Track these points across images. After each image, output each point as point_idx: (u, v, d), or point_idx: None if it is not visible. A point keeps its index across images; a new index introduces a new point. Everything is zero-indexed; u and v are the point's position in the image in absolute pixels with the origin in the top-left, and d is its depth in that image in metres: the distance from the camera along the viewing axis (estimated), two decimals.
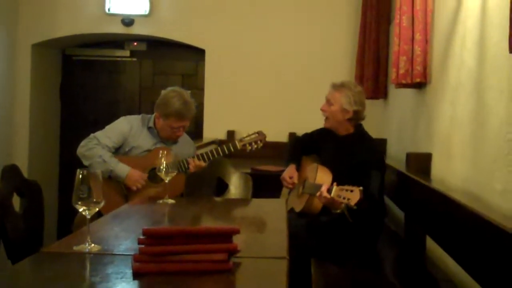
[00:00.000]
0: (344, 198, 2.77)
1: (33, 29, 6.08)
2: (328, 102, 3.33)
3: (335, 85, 3.32)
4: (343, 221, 2.98)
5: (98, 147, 3.44)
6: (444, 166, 3.08)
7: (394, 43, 3.70)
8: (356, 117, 3.28)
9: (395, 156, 4.29)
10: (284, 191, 3.62)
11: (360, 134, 3.32)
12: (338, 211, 2.94)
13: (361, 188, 2.74)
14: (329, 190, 2.87)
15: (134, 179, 3.44)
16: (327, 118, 3.36)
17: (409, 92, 3.89)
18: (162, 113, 3.53)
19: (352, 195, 2.75)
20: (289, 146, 3.84)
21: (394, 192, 3.55)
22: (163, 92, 3.64)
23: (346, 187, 2.80)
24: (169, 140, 3.63)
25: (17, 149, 6.05)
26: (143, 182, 3.47)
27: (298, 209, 3.27)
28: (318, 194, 2.93)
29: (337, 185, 2.87)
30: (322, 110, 3.36)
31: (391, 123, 4.67)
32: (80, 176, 1.94)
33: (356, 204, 2.73)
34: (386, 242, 3.37)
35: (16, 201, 2.81)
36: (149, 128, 3.61)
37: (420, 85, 3.57)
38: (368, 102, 4.96)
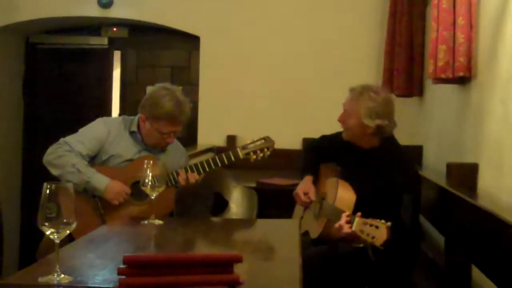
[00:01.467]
0: (368, 235, 2.76)
1: None
2: (346, 112, 3.30)
3: (353, 91, 3.26)
4: (367, 254, 2.97)
5: (70, 154, 3.45)
6: (493, 179, 3.07)
7: (431, 29, 3.70)
8: (383, 132, 3.24)
9: (433, 167, 4.29)
10: (298, 209, 3.62)
11: (388, 147, 3.29)
12: (361, 245, 2.92)
13: (388, 224, 2.72)
14: (350, 222, 2.87)
15: (116, 191, 3.44)
16: (344, 130, 3.34)
17: (450, 88, 3.89)
18: (150, 115, 3.54)
19: (378, 232, 2.74)
20: (303, 152, 3.83)
21: (432, 212, 3.54)
22: (151, 89, 3.64)
23: (370, 220, 2.79)
24: (156, 148, 3.63)
25: None
26: (126, 196, 3.47)
27: (314, 234, 3.26)
28: (336, 225, 2.93)
29: (361, 215, 2.86)
30: (339, 121, 3.34)
31: (428, 126, 4.67)
32: (48, 191, 1.93)
33: (382, 244, 2.72)
34: (422, 273, 3.37)
35: None
36: (131, 133, 3.62)
37: (463, 80, 3.57)
38: (399, 101, 4.99)
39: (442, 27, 3.51)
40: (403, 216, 2.98)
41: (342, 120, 3.31)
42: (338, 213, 2.97)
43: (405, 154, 3.34)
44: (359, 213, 2.87)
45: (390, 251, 2.86)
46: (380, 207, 2.82)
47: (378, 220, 2.76)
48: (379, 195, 3.06)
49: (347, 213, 2.92)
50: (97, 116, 3.78)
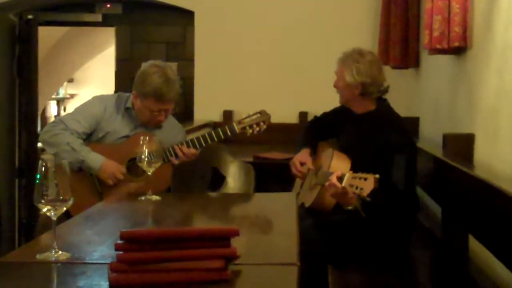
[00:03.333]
0: (356, 188, 2.77)
1: None
2: (336, 76, 3.42)
3: (340, 57, 3.39)
4: (362, 219, 2.99)
5: (65, 133, 3.45)
6: (489, 149, 3.08)
7: None
8: (368, 92, 3.29)
9: (430, 138, 4.29)
10: (297, 184, 3.63)
11: (382, 111, 3.33)
12: (350, 207, 2.94)
13: (376, 175, 2.74)
14: (340, 179, 2.88)
15: (110, 171, 3.45)
16: (339, 94, 3.44)
17: (445, 59, 3.88)
18: (139, 92, 3.53)
19: (366, 184, 2.75)
20: (304, 128, 3.85)
21: (428, 182, 3.55)
22: (143, 66, 3.63)
23: (359, 174, 2.81)
24: (150, 125, 3.62)
25: None
26: (121, 176, 3.47)
27: (308, 203, 3.28)
28: (327, 184, 2.94)
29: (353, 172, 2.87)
30: (334, 87, 3.43)
31: (424, 97, 4.66)
32: (43, 168, 1.94)
33: (369, 195, 2.73)
34: (419, 242, 3.38)
35: None
36: (126, 109, 3.61)
37: (459, 51, 3.56)
38: (395, 72, 4.99)
39: None
40: (394, 176, 3.00)
41: (334, 84, 3.42)
42: (330, 176, 2.98)
43: (399, 118, 3.38)
44: (350, 171, 2.89)
45: (378, 206, 2.89)
46: (374, 169, 2.82)
47: (367, 173, 2.78)
48: (373, 158, 3.09)
49: (339, 172, 2.92)
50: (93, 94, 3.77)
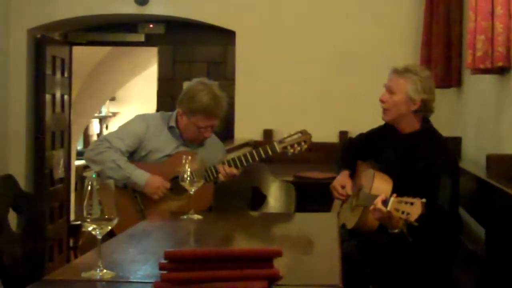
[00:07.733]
0: (403, 213, 2.75)
1: (28, 10, 6.18)
2: (389, 90, 3.29)
3: (398, 70, 3.29)
4: (405, 241, 2.96)
5: (110, 151, 3.49)
6: None
7: (469, 18, 3.65)
8: (425, 109, 3.25)
9: (473, 158, 4.24)
10: (336, 203, 3.61)
11: (427, 131, 3.29)
12: (396, 230, 2.91)
13: (423, 200, 2.71)
14: (385, 202, 2.86)
15: (155, 186, 3.48)
16: (386, 110, 3.32)
17: (489, 79, 3.84)
18: (187, 110, 3.56)
19: (412, 208, 2.73)
20: (341, 149, 3.83)
21: (471, 204, 3.50)
22: (188, 84, 3.68)
23: (405, 198, 2.78)
24: (194, 143, 3.65)
25: (12, 157, 6.10)
26: (166, 191, 3.50)
27: (350, 225, 3.26)
28: (371, 207, 2.92)
29: (397, 196, 2.85)
30: (381, 100, 3.31)
31: (467, 117, 4.62)
32: (89, 187, 1.96)
33: (417, 220, 2.70)
34: (462, 265, 3.34)
35: (11, 218, 2.86)
36: (170, 128, 3.65)
37: (502, 70, 3.52)
38: (437, 92, 4.94)
39: (480, 17, 3.47)
40: (440, 198, 2.96)
41: (385, 98, 3.29)
42: (373, 199, 2.96)
43: (443, 139, 3.34)
44: (394, 194, 2.86)
45: (426, 231, 2.86)
46: (419, 191, 2.80)
47: (413, 197, 2.75)
48: (418, 179, 3.06)
49: (383, 195, 2.90)
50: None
